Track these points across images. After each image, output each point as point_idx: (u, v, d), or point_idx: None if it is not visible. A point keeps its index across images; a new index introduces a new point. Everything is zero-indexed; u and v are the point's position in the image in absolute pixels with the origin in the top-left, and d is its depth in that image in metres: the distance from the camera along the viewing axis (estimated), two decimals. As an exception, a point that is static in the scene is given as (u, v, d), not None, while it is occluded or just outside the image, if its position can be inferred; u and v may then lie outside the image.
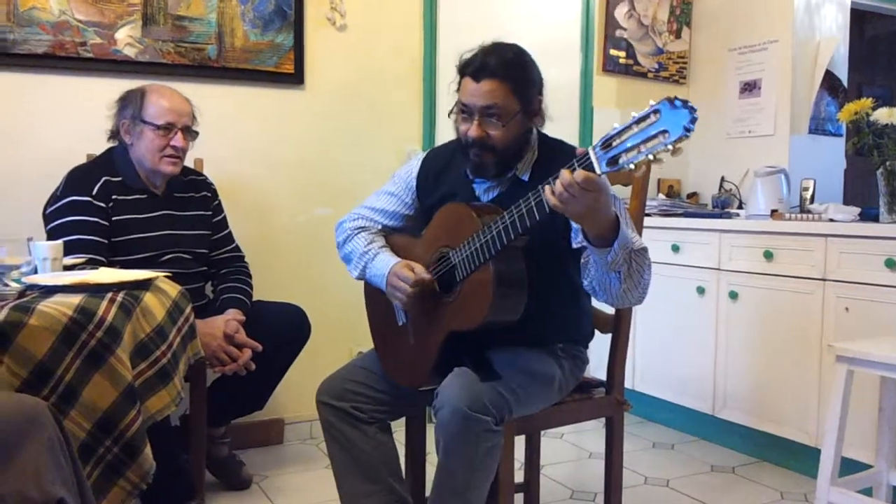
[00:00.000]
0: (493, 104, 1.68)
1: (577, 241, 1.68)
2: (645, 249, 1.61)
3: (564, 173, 1.42)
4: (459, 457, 1.62)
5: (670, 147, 1.27)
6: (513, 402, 1.70)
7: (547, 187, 1.47)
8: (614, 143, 1.35)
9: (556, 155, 1.74)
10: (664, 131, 1.28)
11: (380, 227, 1.99)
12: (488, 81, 1.68)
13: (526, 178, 1.79)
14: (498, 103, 1.69)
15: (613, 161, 1.35)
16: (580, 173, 1.39)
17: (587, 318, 1.96)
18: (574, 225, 1.67)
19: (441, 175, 1.92)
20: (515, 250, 1.63)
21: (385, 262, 1.84)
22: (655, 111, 1.30)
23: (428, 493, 1.99)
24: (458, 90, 1.75)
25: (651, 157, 1.30)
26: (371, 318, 2.04)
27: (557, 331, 1.86)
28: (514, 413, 1.71)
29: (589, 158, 1.40)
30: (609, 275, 1.59)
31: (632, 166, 1.33)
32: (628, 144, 1.33)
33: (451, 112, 1.78)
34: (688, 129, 1.25)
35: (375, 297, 1.98)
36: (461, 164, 1.83)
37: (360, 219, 2.01)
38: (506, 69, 1.69)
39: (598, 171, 1.38)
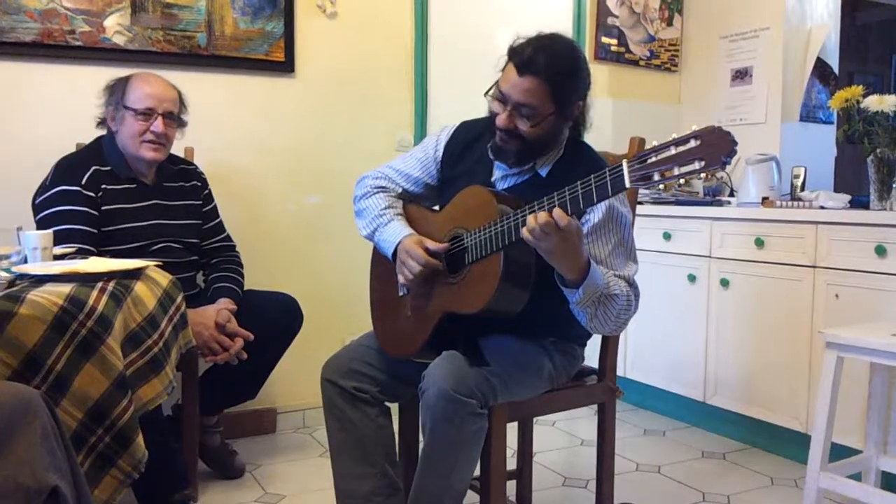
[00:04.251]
0: (528, 102, 1.66)
1: None
2: (616, 297, 1.63)
3: (540, 214, 1.46)
4: (443, 438, 1.64)
5: (703, 176, 1.30)
6: (499, 388, 1.71)
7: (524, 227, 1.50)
8: (649, 160, 1.35)
9: (580, 158, 1.76)
10: (701, 158, 1.28)
11: (400, 189, 1.97)
12: (530, 78, 1.65)
13: (544, 173, 1.78)
14: (533, 103, 1.66)
15: (645, 178, 1.36)
16: (557, 212, 1.44)
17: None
18: None
19: (466, 150, 1.90)
20: (528, 248, 1.59)
21: (397, 231, 1.83)
22: (696, 137, 1.30)
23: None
24: (503, 70, 1.72)
25: (682, 181, 1.33)
26: (373, 283, 2.02)
27: (549, 328, 1.85)
28: (499, 398, 1.72)
29: (621, 170, 1.39)
30: (578, 311, 1.64)
31: (662, 187, 1.36)
32: (663, 165, 1.33)
33: (488, 91, 1.75)
34: (726, 163, 1.27)
35: (380, 264, 1.97)
36: (487, 142, 1.81)
37: (382, 178, 1.98)
38: (551, 71, 1.65)
39: (627, 184, 1.38)
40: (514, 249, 1.61)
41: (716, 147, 1.27)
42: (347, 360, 1.92)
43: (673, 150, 1.32)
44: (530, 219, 1.48)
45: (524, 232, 1.49)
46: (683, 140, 1.31)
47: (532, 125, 1.68)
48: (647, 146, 1.94)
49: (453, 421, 1.62)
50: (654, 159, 1.34)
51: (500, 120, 1.70)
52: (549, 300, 1.72)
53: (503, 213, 1.61)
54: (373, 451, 1.87)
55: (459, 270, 1.73)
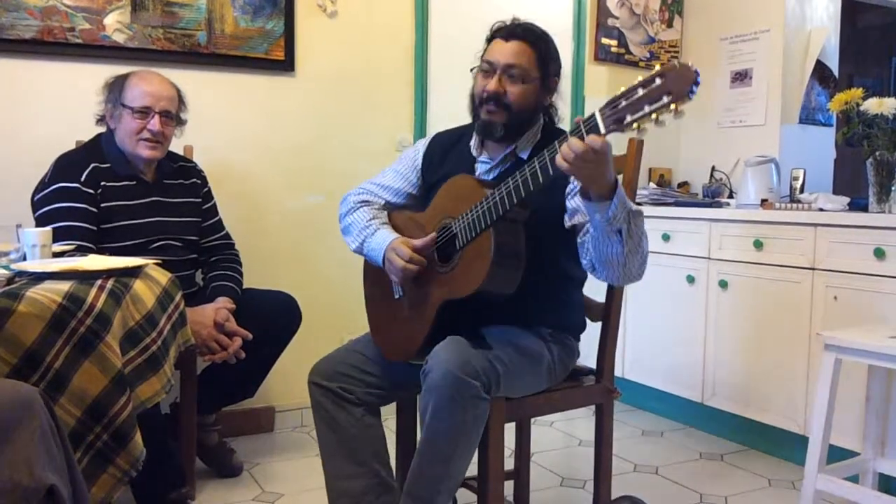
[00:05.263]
0: (517, 63, 1.78)
1: (571, 220, 1.76)
2: (640, 212, 1.64)
3: (574, 141, 1.45)
4: (446, 421, 1.63)
5: (673, 109, 1.32)
6: (502, 373, 1.71)
7: (557, 154, 1.49)
8: (620, 105, 1.39)
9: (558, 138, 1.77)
10: (668, 92, 1.32)
11: (383, 202, 2.04)
12: (517, 43, 1.80)
13: (525, 156, 1.84)
14: (522, 64, 1.79)
15: (619, 121, 1.39)
16: (592, 138, 1.42)
17: (577, 310, 1.98)
18: (568, 205, 1.75)
19: (446, 155, 1.98)
20: (516, 223, 1.65)
21: (384, 238, 1.88)
22: (661, 75, 1.34)
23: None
24: (484, 54, 1.84)
25: (654, 117, 1.34)
26: (367, 293, 2.05)
27: (545, 315, 1.88)
28: (502, 385, 1.72)
29: (594, 119, 1.43)
30: (610, 239, 1.61)
31: (635, 126, 1.37)
32: (633, 106, 1.37)
33: (473, 68, 1.86)
34: (691, 92, 1.31)
35: (373, 273, 2.00)
36: (467, 145, 1.92)
37: (364, 193, 2.05)
38: (535, 38, 1.81)
39: (602, 130, 1.42)
40: (504, 227, 1.64)
41: (681, 80, 1.32)
42: (334, 364, 1.94)
43: (641, 91, 1.36)
44: (564, 147, 1.47)
45: (560, 163, 1.47)
46: (649, 80, 1.35)
47: (521, 83, 1.78)
48: (645, 148, 1.97)
49: (457, 401, 1.61)
50: (624, 103, 1.38)
51: (491, 85, 1.79)
52: (545, 288, 1.78)
53: (488, 193, 1.66)
54: (361, 451, 1.88)
55: (451, 258, 1.76)
